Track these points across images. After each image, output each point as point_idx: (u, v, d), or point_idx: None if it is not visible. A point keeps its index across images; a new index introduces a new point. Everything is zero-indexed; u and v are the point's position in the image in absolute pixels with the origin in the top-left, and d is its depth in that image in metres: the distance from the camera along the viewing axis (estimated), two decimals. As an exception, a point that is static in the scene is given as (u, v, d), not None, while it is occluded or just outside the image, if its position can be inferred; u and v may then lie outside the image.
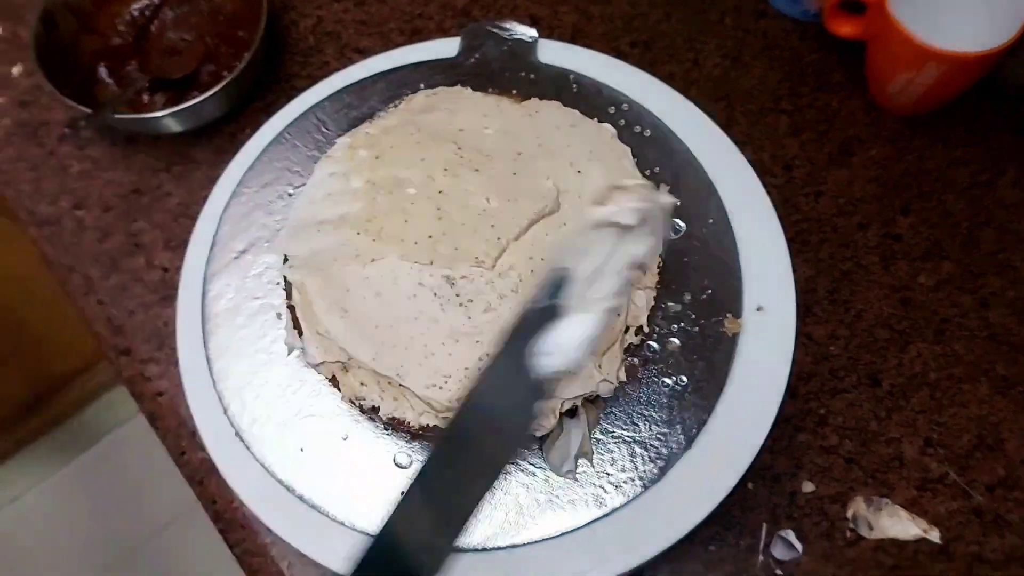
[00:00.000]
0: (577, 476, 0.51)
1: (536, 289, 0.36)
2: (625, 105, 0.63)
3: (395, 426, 0.52)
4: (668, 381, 0.53)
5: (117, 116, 0.68)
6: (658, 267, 0.56)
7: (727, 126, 0.65)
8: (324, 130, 0.63)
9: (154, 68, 0.75)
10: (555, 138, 0.59)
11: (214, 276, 0.59)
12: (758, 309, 0.56)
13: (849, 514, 0.58)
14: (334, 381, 0.54)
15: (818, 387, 0.62)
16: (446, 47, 0.67)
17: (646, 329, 0.54)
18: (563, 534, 0.50)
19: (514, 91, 0.63)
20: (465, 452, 0.35)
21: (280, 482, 0.52)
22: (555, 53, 0.66)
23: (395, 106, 0.63)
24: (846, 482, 0.59)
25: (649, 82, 0.65)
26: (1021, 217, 0.66)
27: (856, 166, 0.69)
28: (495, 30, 0.66)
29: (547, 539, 0.50)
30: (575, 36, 0.76)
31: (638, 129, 0.62)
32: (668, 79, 0.67)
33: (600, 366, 0.51)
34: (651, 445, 0.52)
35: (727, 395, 0.53)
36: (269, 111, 0.70)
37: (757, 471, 0.59)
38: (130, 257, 0.69)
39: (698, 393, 0.53)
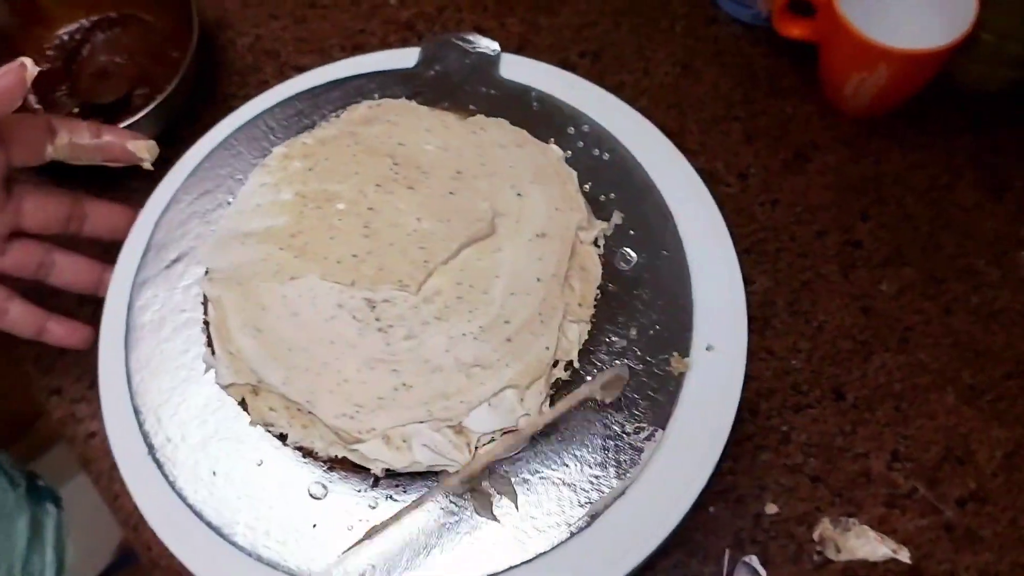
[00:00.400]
0: (499, 518, 0.48)
1: None
2: (586, 126, 0.59)
3: (311, 455, 0.49)
4: (605, 420, 0.50)
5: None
6: (595, 299, 0.53)
7: (679, 135, 0.63)
8: (273, 137, 0.60)
9: (84, 93, 0.72)
10: (498, 158, 0.57)
11: (143, 285, 0.56)
12: (707, 348, 0.52)
13: (816, 536, 0.56)
14: (243, 404, 0.51)
15: (780, 403, 0.59)
16: (406, 57, 0.64)
17: (576, 364, 0.51)
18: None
19: (472, 106, 0.61)
20: None
21: (189, 506, 0.49)
22: (518, 69, 0.63)
23: (336, 116, 0.60)
24: (812, 502, 0.57)
25: (609, 101, 0.62)
26: (981, 219, 0.65)
27: (812, 172, 0.67)
28: (458, 42, 0.64)
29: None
30: (522, 47, 0.74)
31: (596, 152, 0.59)
32: (618, 89, 0.65)
33: (523, 400, 0.48)
34: (581, 488, 0.48)
35: (669, 436, 0.50)
36: (205, 130, 0.67)
37: (719, 493, 0.56)
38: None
39: (637, 434, 0.50)
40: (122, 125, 0.64)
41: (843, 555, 0.55)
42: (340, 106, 0.61)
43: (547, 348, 0.50)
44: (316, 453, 0.49)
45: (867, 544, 0.55)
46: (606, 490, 0.48)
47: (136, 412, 0.52)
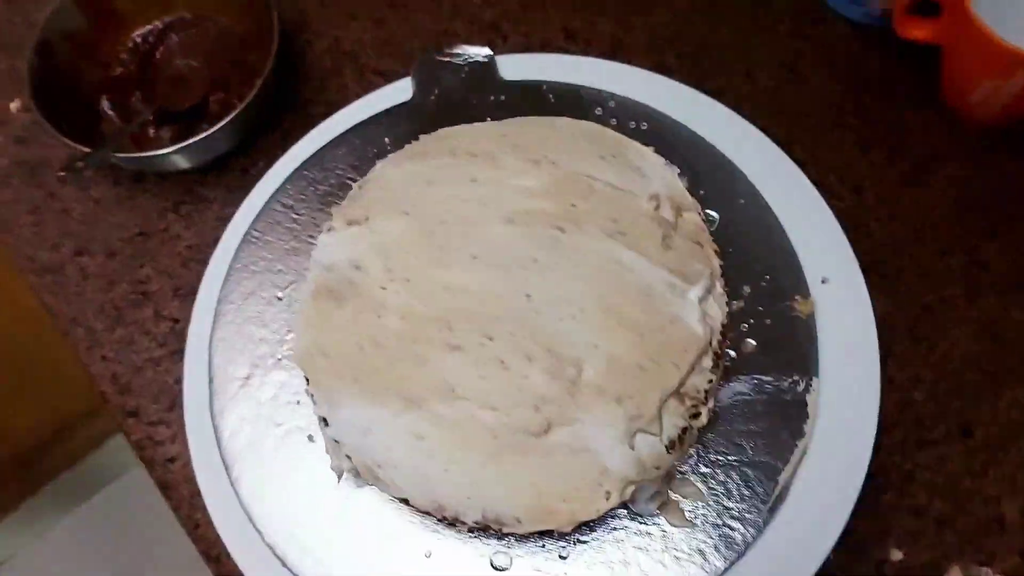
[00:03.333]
0: (695, 521, 0.45)
1: None
2: (612, 103, 0.57)
3: (481, 528, 0.46)
4: (758, 385, 0.48)
5: (119, 155, 0.63)
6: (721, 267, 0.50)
7: (786, 144, 0.58)
8: (295, 215, 0.56)
9: (159, 98, 0.69)
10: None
11: (222, 412, 0.51)
12: (823, 282, 0.50)
13: (945, 585, 0.51)
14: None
15: (902, 438, 0.55)
16: (400, 91, 0.60)
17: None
18: None
19: (488, 118, 0.57)
20: None
21: None
22: (519, 67, 0.60)
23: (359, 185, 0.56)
24: (939, 548, 0.52)
25: (626, 72, 0.58)
26: (1123, 240, 0.59)
27: (933, 186, 0.62)
28: (446, 59, 0.60)
29: None
30: (614, 49, 0.70)
31: (633, 124, 0.56)
32: (718, 94, 0.60)
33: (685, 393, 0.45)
34: (762, 462, 0.45)
35: (824, 382, 0.48)
36: (285, 142, 0.65)
37: (839, 537, 0.52)
38: (136, 308, 0.63)
39: (794, 388, 0.47)
40: (201, 136, 0.62)
41: (975, 607, 0.50)
42: (351, 162, 0.57)
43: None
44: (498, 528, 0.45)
45: (1002, 596, 0.50)
46: (788, 456, 0.46)
47: (272, 549, 0.48)
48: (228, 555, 0.53)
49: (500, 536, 0.46)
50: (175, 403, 0.60)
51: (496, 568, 0.45)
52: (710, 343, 0.47)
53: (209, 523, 0.55)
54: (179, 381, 0.59)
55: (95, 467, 1.58)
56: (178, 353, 0.60)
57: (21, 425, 1.40)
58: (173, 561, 1.50)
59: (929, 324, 0.58)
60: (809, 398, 0.47)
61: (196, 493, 0.56)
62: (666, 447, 0.44)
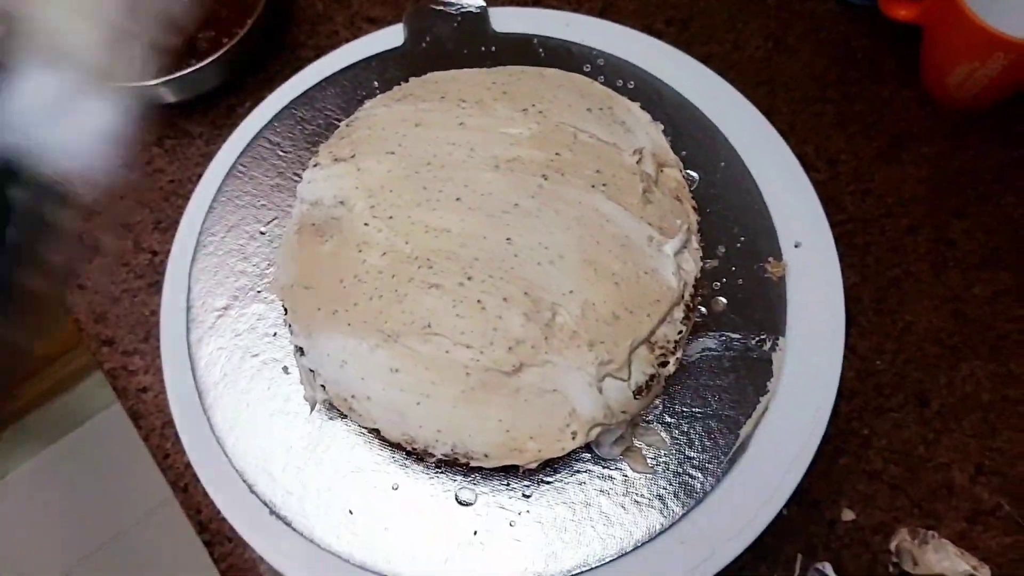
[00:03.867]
0: (657, 468, 0.46)
1: None
2: (600, 60, 0.58)
3: (448, 463, 0.47)
4: (726, 341, 0.49)
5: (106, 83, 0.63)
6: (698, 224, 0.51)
7: (768, 114, 0.59)
8: (281, 152, 0.57)
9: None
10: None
11: (199, 342, 0.52)
12: (796, 246, 0.52)
13: (892, 547, 0.53)
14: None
15: (862, 405, 0.57)
16: (391, 37, 0.61)
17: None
18: (659, 534, 0.46)
19: (477, 67, 0.58)
20: None
21: (335, 554, 0.46)
22: (511, 19, 0.60)
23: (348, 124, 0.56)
24: (890, 511, 0.54)
25: (617, 32, 0.59)
26: (1087, 225, 0.61)
27: (907, 163, 0.63)
28: (439, 7, 0.60)
29: (644, 544, 0.45)
30: (604, 11, 0.70)
31: (620, 83, 0.57)
32: (706, 60, 0.61)
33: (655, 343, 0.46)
34: (725, 415, 0.47)
35: (790, 341, 0.49)
36: (272, 83, 0.65)
37: (793, 495, 0.54)
38: (116, 239, 0.63)
39: (760, 347, 0.49)
40: (189, 70, 0.62)
41: (920, 569, 0.52)
42: (340, 104, 0.58)
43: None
44: (465, 461, 0.46)
45: (946, 559, 0.52)
46: (751, 411, 0.47)
47: (241, 476, 0.48)
48: (195, 486, 0.54)
49: (466, 472, 0.47)
50: (150, 334, 0.60)
51: (461, 503, 0.46)
52: (682, 296, 0.48)
53: (179, 453, 0.56)
54: (155, 313, 0.59)
55: (74, 403, 1.58)
56: (155, 285, 0.61)
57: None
58: (146, 498, 1.50)
59: (895, 297, 0.59)
60: (775, 356, 0.48)
61: (167, 423, 0.57)
62: (633, 393, 0.45)
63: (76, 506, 1.55)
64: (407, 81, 0.56)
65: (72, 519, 1.54)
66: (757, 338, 0.49)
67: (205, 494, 0.53)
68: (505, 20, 0.60)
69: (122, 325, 0.61)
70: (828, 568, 0.52)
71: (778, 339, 0.49)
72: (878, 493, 0.54)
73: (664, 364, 0.47)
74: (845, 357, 0.57)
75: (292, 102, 0.58)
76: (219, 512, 0.53)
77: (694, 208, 0.52)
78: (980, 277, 0.60)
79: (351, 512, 0.47)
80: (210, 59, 0.62)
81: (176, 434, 0.54)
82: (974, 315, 0.59)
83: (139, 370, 0.60)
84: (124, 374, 0.60)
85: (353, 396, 0.46)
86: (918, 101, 0.65)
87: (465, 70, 0.56)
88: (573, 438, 0.44)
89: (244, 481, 0.48)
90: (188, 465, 0.53)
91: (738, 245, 0.51)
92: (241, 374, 0.50)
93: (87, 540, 1.52)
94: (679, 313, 0.48)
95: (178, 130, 0.67)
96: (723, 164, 0.53)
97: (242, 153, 0.56)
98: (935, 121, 0.65)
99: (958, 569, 0.52)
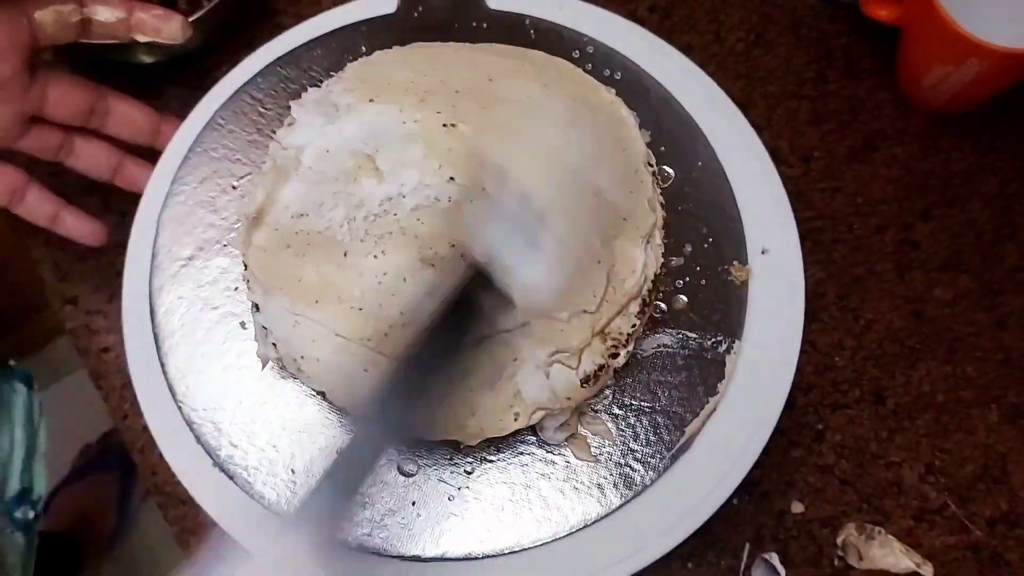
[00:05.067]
0: (599, 457, 0.46)
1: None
2: (590, 47, 0.57)
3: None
4: (682, 340, 0.49)
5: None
6: (663, 221, 0.51)
7: (744, 107, 0.59)
8: (262, 109, 0.56)
9: (127, -10, 0.68)
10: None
11: (161, 289, 0.52)
12: (763, 252, 0.52)
13: (839, 540, 0.54)
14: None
15: (818, 399, 0.57)
16: (385, 3, 0.60)
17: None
18: (595, 522, 0.46)
19: (467, 43, 0.58)
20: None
21: (274, 512, 0.47)
22: None
23: (331, 77, 0.56)
24: (839, 505, 0.55)
25: (607, 19, 0.59)
26: (1049, 234, 0.62)
27: (878, 163, 0.64)
28: None
29: (579, 530, 0.46)
30: (588, -6, 0.70)
31: (608, 72, 0.57)
32: (686, 50, 0.61)
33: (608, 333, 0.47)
34: (673, 412, 0.47)
35: (745, 345, 0.50)
36: (250, 47, 0.64)
37: (744, 486, 0.54)
38: (85, 196, 0.63)
39: (715, 349, 0.49)
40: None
41: (864, 563, 0.53)
42: (326, 65, 0.57)
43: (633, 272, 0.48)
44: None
45: (890, 555, 0.53)
46: (699, 410, 0.48)
47: (189, 425, 0.49)
48: (152, 448, 0.54)
49: (411, 444, 0.47)
50: (114, 295, 0.60)
51: (403, 473, 0.47)
52: (640, 290, 0.48)
53: (137, 415, 0.56)
54: (120, 274, 0.59)
55: (39, 365, 1.57)
56: (123, 247, 0.60)
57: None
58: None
59: (857, 295, 0.60)
60: (729, 359, 0.49)
61: (126, 384, 0.57)
62: (581, 381, 0.45)
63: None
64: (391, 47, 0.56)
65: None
66: (713, 339, 0.49)
67: (161, 457, 0.53)
68: (501, -3, 0.60)
69: (87, 284, 0.61)
70: (775, 558, 0.53)
71: (734, 342, 0.49)
72: (828, 487, 0.55)
73: (615, 356, 0.47)
74: (805, 352, 0.58)
75: (277, 60, 0.57)
76: (174, 476, 0.53)
77: (662, 205, 0.52)
78: (941, 279, 0.60)
79: (292, 471, 0.47)
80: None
81: (135, 395, 0.54)
82: (934, 316, 0.59)
83: (101, 330, 0.60)
84: (86, 333, 0.60)
85: (302, 357, 0.46)
86: (893, 102, 0.66)
87: (450, 43, 0.56)
88: (516, 419, 0.45)
89: (191, 430, 0.48)
90: (145, 428, 0.53)
91: (705, 246, 0.52)
92: (199, 325, 0.50)
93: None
94: (635, 307, 0.48)
95: (154, 91, 0.67)
96: (700, 164, 0.53)
97: (222, 107, 0.56)
98: (909, 123, 0.65)
99: (902, 565, 0.53)
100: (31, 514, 0.83)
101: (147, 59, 0.65)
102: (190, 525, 0.55)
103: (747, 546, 0.54)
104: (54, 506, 1.47)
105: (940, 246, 0.61)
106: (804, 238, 0.58)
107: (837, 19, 0.69)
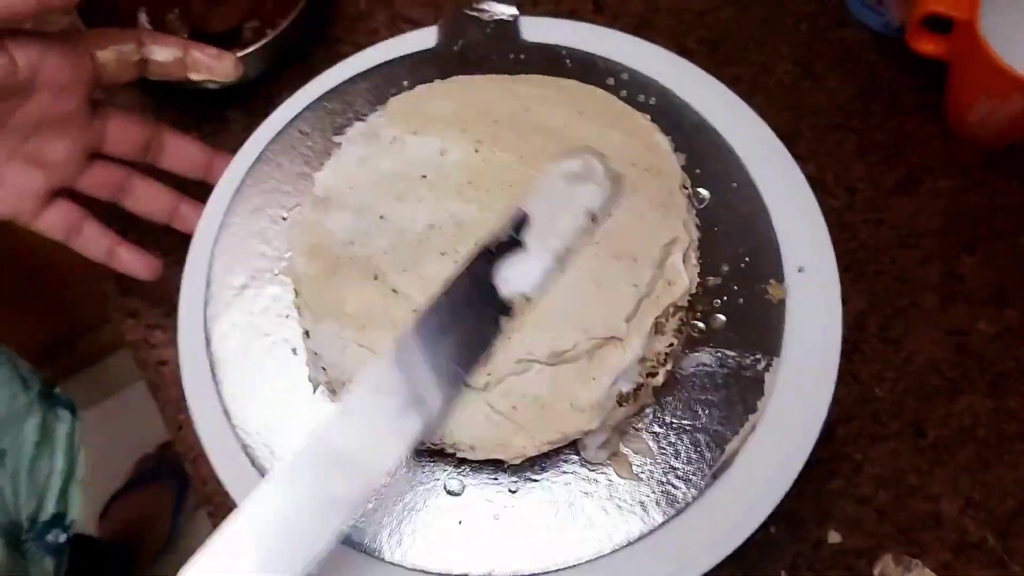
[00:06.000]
0: (641, 476, 0.47)
1: (499, 224, 0.42)
2: (624, 75, 0.58)
3: (439, 452, 0.48)
4: (721, 358, 0.50)
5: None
6: (698, 240, 0.52)
7: (790, 138, 0.60)
8: (309, 143, 0.58)
9: (196, 18, 0.72)
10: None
11: (215, 317, 0.53)
12: (799, 270, 0.52)
13: (876, 572, 0.54)
14: None
15: (857, 431, 0.58)
16: (426, 38, 0.62)
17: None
18: (638, 539, 0.47)
19: (505, 74, 0.59)
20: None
21: None
22: (541, 29, 0.62)
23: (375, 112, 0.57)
24: (876, 536, 0.55)
25: (649, 50, 0.60)
26: (1097, 270, 0.61)
27: (923, 196, 0.64)
28: (473, 13, 0.62)
29: (622, 548, 0.46)
30: (640, 27, 0.72)
31: (642, 98, 0.58)
32: (732, 82, 0.62)
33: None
34: (713, 430, 0.48)
35: (784, 362, 0.50)
36: (311, 74, 0.67)
37: (781, 515, 0.55)
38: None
39: (754, 366, 0.50)
40: (230, 58, 0.64)
41: (900, 596, 0.53)
42: (370, 99, 0.59)
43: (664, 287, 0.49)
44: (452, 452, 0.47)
45: (927, 588, 0.53)
46: (738, 428, 0.48)
47: (245, 449, 0.50)
48: (205, 459, 0.56)
49: (457, 464, 0.48)
50: (173, 310, 0.62)
51: (449, 492, 0.48)
52: (674, 310, 0.49)
53: (191, 426, 0.58)
54: (179, 289, 0.61)
55: (106, 373, 1.62)
56: (182, 264, 0.63)
57: (32, 327, 1.44)
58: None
59: (899, 327, 0.60)
60: (768, 376, 0.49)
61: (182, 396, 0.59)
62: (618, 400, 0.46)
63: (99, 473, 1.59)
64: (433, 81, 0.58)
65: (98, 478, 1.58)
66: (752, 357, 0.50)
67: (212, 468, 0.55)
68: (536, 30, 0.61)
69: (147, 299, 0.64)
70: (810, 587, 0.54)
71: (772, 360, 0.50)
72: (866, 518, 0.55)
73: (653, 375, 0.48)
74: (846, 383, 0.58)
75: (324, 95, 0.60)
76: (223, 487, 0.55)
77: (697, 226, 0.53)
78: (986, 313, 0.60)
79: None
80: (252, 48, 0.65)
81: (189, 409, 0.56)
82: (977, 350, 0.59)
83: (159, 344, 0.63)
84: (146, 346, 0.63)
85: (351, 380, 0.48)
86: (939, 135, 0.66)
87: (488, 76, 0.58)
88: (555, 439, 0.46)
89: (246, 453, 0.50)
90: (198, 440, 0.56)
91: (742, 265, 0.52)
92: (252, 351, 0.52)
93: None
94: (672, 325, 0.49)
95: (217, 117, 0.70)
96: (735, 185, 0.54)
97: (272, 140, 0.58)
98: (954, 157, 0.65)
99: (938, 599, 0.53)
100: (63, 538, 0.85)
101: (212, 85, 0.68)
102: (238, 534, 0.57)
103: (783, 574, 0.54)
104: (110, 514, 1.51)
105: (985, 280, 0.61)
106: (847, 268, 0.59)
107: (884, 53, 0.69)
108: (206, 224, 0.57)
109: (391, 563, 0.47)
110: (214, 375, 0.52)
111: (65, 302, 1.44)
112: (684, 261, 0.50)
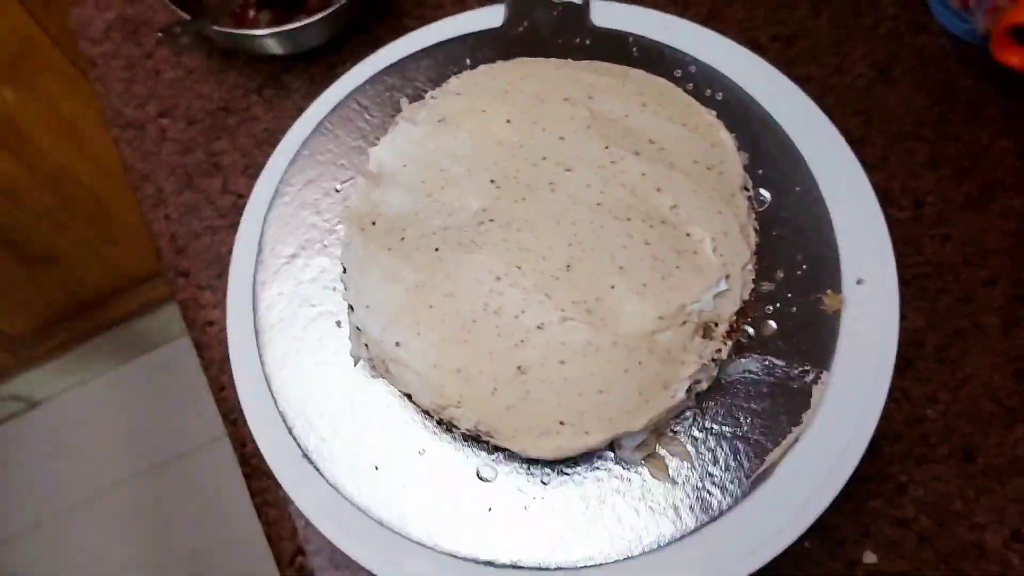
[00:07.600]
0: (677, 479, 0.47)
1: None
2: (693, 67, 0.57)
3: (475, 438, 0.48)
4: (768, 367, 0.49)
5: (216, 28, 0.65)
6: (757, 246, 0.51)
7: (859, 143, 0.58)
8: (367, 116, 0.58)
9: (264, -16, 0.72)
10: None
11: (264, 284, 0.54)
12: (858, 282, 0.50)
13: (911, 597, 0.53)
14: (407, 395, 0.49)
15: (904, 451, 0.56)
16: (492, 16, 0.61)
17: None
18: (668, 544, 0.46)
19: (569, 59, 0.58)
20: None
21: (355, 505, 0.48)
22: (611, 15, 0.60)
23: (436, 90, 0.57)
24: (914, 561, 0.53)
25: (720, 42, 0.59)
26: None
27: (994, 213, 0.62)
28: None
29: (652, 551, 0.46)
30: (710, 18, 0.70)
31: (708, 92, 0.56)
32: (804, 81, 0.61)
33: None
34: (754, 440, 0.47)
35: (834, 376, 0.48)
36: (374, 46, 0.66)
37: (818, 530, 0.53)
38: (206, 177, 0.66)
39: (802, 378, 0.48)
40: (296, 24, 0.64)
41: (935, 624, 0.52)
42: (432, 76, 0.59)
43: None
44: (488, 439, 0.47)
45: (964, 619, 0.52)
46: (780, 439, 0.47)
47: (282, 417, 0.50)
48: (244, 420, 0.57)
49: (491, 450, 0.48)
50: (223, 272, 0.63)
51: (481, 479, 0.48)
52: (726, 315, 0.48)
53: (233, 388, 0.59)
54: (231, 252, 0.62)
55: (148, 329, 1.65)
56: (236, 226, 0.63)
57: (86, 274, 1.47)
58: (206, 427, 1.57)
59: (958, 348, 0.58)
60: (815, 390, 0.48)
61: (226, 358, 0.60)
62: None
63: (138, 425, 1.62)
64: (495, 62, 0.57)
65: (138, 434, 1.61)
66: (801, 368, 0.48)
67: (250, 431, 0.56)
68: (605, 14, 0.60)
69: (199, 260, 0.64)
70: (841, 607, 0.52)
71: (821, 373, 0.48)
72: (905, 541, 0.54)
73: (697, 380, 0.47)
74: (896, 401, 0.57)
75: (385, 68, 0.59)
76: (259, 450, 0.56)
77: (756, 230, 0.51)
78: (1050, 341, 0.58)
79: (376, 468, 0.48)
80: (318, 16, 0.65)
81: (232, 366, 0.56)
82: (1038, 378, 0.57)
83: (208, 304, 0.63)
84: (195, 306, 0.63)
85: (392, 359, 0.47)
86: (1016, 151, 0.63)
87: (552, 59, 0.57)
88: (590, 437, 0.45)
89: (284, 421, 0.50)
90: (238, 402, 0.56)
91: (798, 272, 0.51)
92: (296, 321, 0.52)
93: (144, 457, 1.59)
94: (721, 329, 0.48)
95: (279, 82, 0.70)
96: (798, 189, 0.53)
97: (331, 112, 0.58)
98: (1031, 175, 0.63)
99: (975, 631, 0.51)
100: None
101: (276, 50, 0.68)
102: (271, 499, 0.57)
103: (814, 590, 0.53)
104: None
105: (1052, 306, 0.59)
106: (908, 284, 0.57)
107: (965, 61, 0.67)
108: (259, 191, 0.57)
109: (419, 543, 0.47)
110: (258, 341, 0.52)
111: (121, 253, 1.46)
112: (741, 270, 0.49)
